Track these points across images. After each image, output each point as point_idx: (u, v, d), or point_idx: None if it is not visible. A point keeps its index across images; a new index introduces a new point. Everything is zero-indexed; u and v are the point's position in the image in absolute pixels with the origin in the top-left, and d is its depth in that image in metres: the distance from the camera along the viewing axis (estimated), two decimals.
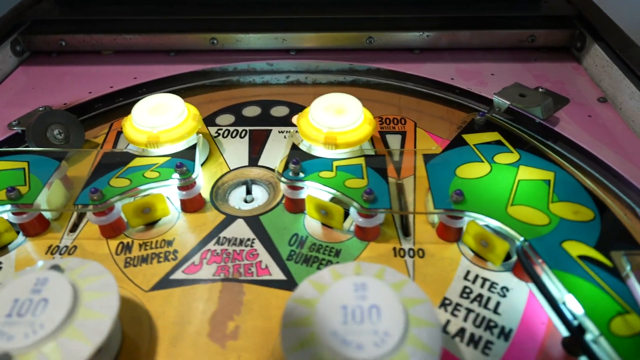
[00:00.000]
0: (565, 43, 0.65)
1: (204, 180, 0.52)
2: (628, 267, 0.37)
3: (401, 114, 0.60)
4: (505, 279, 0.41)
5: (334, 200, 0.45)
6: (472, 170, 0.45)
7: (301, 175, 0.45)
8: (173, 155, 0.49)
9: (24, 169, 0.47)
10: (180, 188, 0.46)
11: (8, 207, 0.44)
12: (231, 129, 0.59)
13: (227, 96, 0.65)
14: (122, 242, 0.45)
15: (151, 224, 0.47)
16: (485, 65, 0.62)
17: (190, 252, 0.44)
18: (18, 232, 0.46)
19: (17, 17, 0.66)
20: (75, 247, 0.45)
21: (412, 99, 0.63)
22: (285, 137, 0.57)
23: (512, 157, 0.47)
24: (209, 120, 0.60)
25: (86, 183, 0.46)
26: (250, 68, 0.65)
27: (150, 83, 0.62)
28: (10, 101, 0.59)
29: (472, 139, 0.49)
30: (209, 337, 0.37)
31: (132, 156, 0.49)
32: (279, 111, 0.62)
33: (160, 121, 0.49)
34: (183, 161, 0.47)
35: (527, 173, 0.45)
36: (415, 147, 0.55)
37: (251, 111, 0.62)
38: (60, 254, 0.44)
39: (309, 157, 0.48)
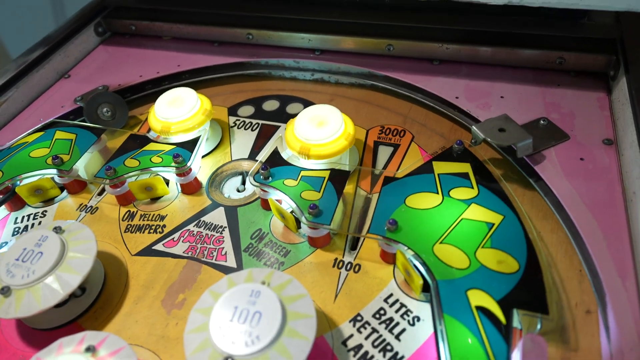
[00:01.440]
0: (600, 69, 0.59)
1: (207, 166, 0.60)
2: (521, 327, 0.37)
3: (404, 125, 0.62)
4: (422, 309, 0.44)
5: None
6: (422, 201, 0.47)
7: (269, 180, 0.51)
8: (178, 145, 0.58)
9: (71, 140, 0.60)
10: (178, 174, 0.55)
11: (54, 170, 0.57)
12: (247, 120, 0.66)
13: (255, 87, 0.72)
14: (129, 211, 0.56)
15: (155, 199, 0.57)
16: (500, 85, 0.60)
17: (174, 229, 0.54)
18: (62, 189, 0.60)
19: (101, 2, 0.79)
20: (97, 208, 0.57)
21: (421, 110, 0.63)
22: None
23: (470, 193, 0.47)
24: (232, 110, 0.68)
25: (109, 159, 0.57)
26: (280, 63, 0.71)
27: (191, 71, 0.71)
28: (84, 77, 0.73)
29: (440, 167, 0.50)
30: (162, 302, 0.47)
31: (149, 140, 0.59)
32: (294, 108, 0.67)
33: (174, 113, 0.58)
34: (182, 151, 0.56)
35: (475, 212, 0.45)
36: (401, 162, 0.57)
37: (270, 105, 0.68)
38: (85, 212, 0.57)
39: (283, 163, 0.53)
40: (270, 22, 0.70)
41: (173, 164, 0.55)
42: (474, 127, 0.50)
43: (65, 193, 0.60)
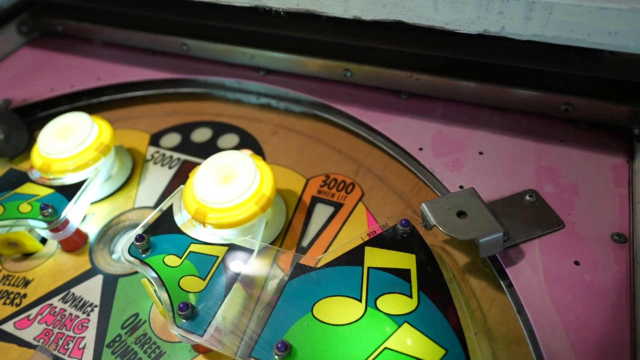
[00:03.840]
0: (620, 122, 0.43)
1: (102, 213, 0.48)
2: None
3: (356, 176, 0.48)
4: None
5: None
6: (337, 311, 0.33)
7: (148, 253, 0.38)
8: (59, 189, 0.45)
9: None
10: (49, 229, 0.43)
11: None
12: (167, 154, 0.54)
13: (189, 109, 0.59)
14: None
15: (29, 254, 0.46)
16: (481, 135, 0.45)
17: (35, 301, 0.42)
18: None
19: None
20: None
21: (381, 156, 0.49)
22: None
23: (406, 304, 0.33)
24: (154, 139, 0.56)
25: None
26: (219, 82, 0.57)
27: (113, 86, 0.58)
28: None
29: (374, 256, 0.36)
30: None
31: (25, 179, 0.47)
32: (227, 141, 0.54)
33: (58, 147, 0.46)
34: (57, 199, 0.44)
35: (405, 339, 0.31)
36: (337, 233, 0.43)
37: (201, 135, 0.55)
38: None
39: (173, 229, 0.40)
40: (207, 32, 0.57)
41: (40, 218, 0.43)
42: (424, 206, 0.35)
43: None
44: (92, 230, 0.47)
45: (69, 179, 0.47)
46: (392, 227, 0.38)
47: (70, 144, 0.46)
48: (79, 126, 0.48)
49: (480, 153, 0.43)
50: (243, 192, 0.39)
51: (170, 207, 0.42)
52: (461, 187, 0.41)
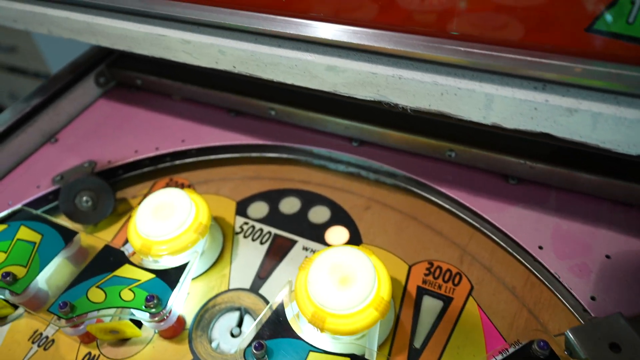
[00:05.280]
0: None
1: (197, 294, 0.47)
2: None
3: (461, 264, 0.46)
4: None
5: None
6: None
7: None
8: (159, 273, 0.44)
9: (34, 245, 0.48)
10: (152, 320, 0.42)
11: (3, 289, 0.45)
12: (257, 226, 0.52)
13: (273, 173, 0.57)
14: (89, 353, 0.44)
15: (125, 340, 0.45)
16: (605, 234, 0.42)
17: None
18: (16, 306, 0.48)
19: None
20: (53, 341, 0.45)
21: (486, 242, 0.47)
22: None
23: None
24: (241, 207, 0.54)
25: (69, 285, 0.44)
26: (307, 149, 0.56)
27: (198, 149, 0.57)
28: (73, 144, 0.60)
29: None
30: None
31: (123, 260, 0.46)
32: (317, 214, 0.52)
33: (158, 228, 0.45)
34: (160, 286, 0.43)
35: None
36: (450, 334, 0.41)
37: (289, 205, 0.54)
38: (38, 345, 0.45)
39: (289, 332, 0.39)
40: (297, 98, 0.56)
41: (145, 309, 0.41)
42: (570, 335, 0.33)
43: (21, 309, 0.48)
44: (188, 314, 0.45)
45: (167, 261, 0.46)
46: (524, 345, 0.36)
47: (170, 225, 0.45)
48: (178, 205, 0.46)
49: (608, 257, 0.41)
50: (364, 298, 0.38)
51: (281, 305, 0.40)
52: (593, 298, 0.38)
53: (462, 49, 0.33)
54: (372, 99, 0.39)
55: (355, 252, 0.40)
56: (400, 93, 0.37)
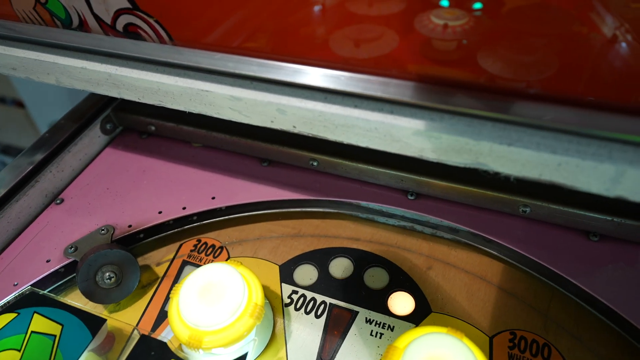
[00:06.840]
0: None
1: None
2: None
3: (547, 334, 0.41)
4: None
5: None
6: None
7: None
8: None
9: (54, 338, 0.40)
10: None
11: None
12: (309, 295, 0.46)
13: (316, 229, 0.51)
14: None
15: None
16: None
17: None
18: None
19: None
20: None
21: (568, 303, 0.43)
22: (372, 335, 0.43)
23: None
24: (285, 272, 0.48)
25: None
26: (355, 203, 0.50)
27: (229, 207, 0.51)
28: (82, 204, 0.53)
29: None
30: None
31: (168, 354, 0.39)
32: (374, 278, 0.47)
33: (208, 317, 0.38)
34: None
35: None
36: None
37: (340, 268, 0.48)
38: None
39: None
40: (344, 147, 0.50)
41: None
42: None
43: None
44: None
45: (217, 352, 0.39)
46: None
47: (222, 311, 0.39)
48: (228, 285, 0.40)
49: None
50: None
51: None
52: None
53: (592, 116, 0.28)
54: (465, 166, 0.34)
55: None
56: (505, 162, 0.32)
